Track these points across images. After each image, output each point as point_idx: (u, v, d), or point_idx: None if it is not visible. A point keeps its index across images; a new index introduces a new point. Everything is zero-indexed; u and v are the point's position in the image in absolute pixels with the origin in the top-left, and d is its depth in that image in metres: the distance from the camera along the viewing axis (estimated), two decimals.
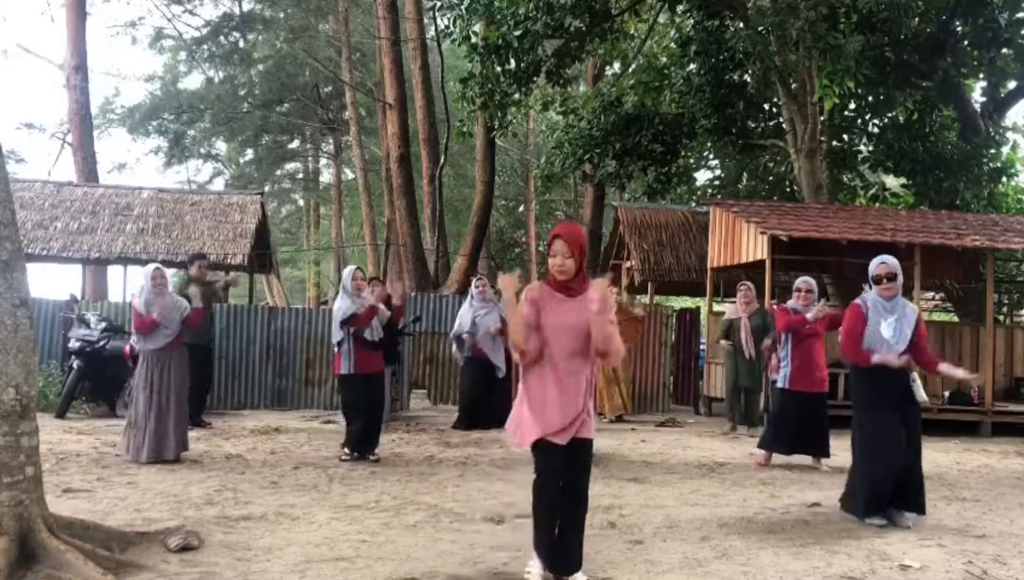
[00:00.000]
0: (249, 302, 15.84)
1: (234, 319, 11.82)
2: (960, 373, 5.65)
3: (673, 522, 5.17)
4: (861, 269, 14.11)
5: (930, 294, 17.57)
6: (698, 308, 15.21)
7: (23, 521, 3.72)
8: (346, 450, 7.37)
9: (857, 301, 5.46)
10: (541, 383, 3.86)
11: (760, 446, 7.76)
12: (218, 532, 4.63)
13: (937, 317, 18.80)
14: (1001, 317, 16.95)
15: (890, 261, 5.42)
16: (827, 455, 7.51)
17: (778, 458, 7.70)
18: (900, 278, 5.38)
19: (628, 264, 16.37)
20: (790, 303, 7.71)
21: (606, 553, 4.41)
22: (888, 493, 5.23)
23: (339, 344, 7.34)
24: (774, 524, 5.21)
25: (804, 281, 7.62)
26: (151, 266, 7.38)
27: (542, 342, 3.86)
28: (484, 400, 9.76)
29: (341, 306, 7.38)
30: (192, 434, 8.52)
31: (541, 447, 3.84)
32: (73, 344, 10.04)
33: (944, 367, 5.51)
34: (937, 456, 8.65)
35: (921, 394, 5.33)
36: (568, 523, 3.88)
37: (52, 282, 63.37)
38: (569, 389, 3.83)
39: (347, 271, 7.68)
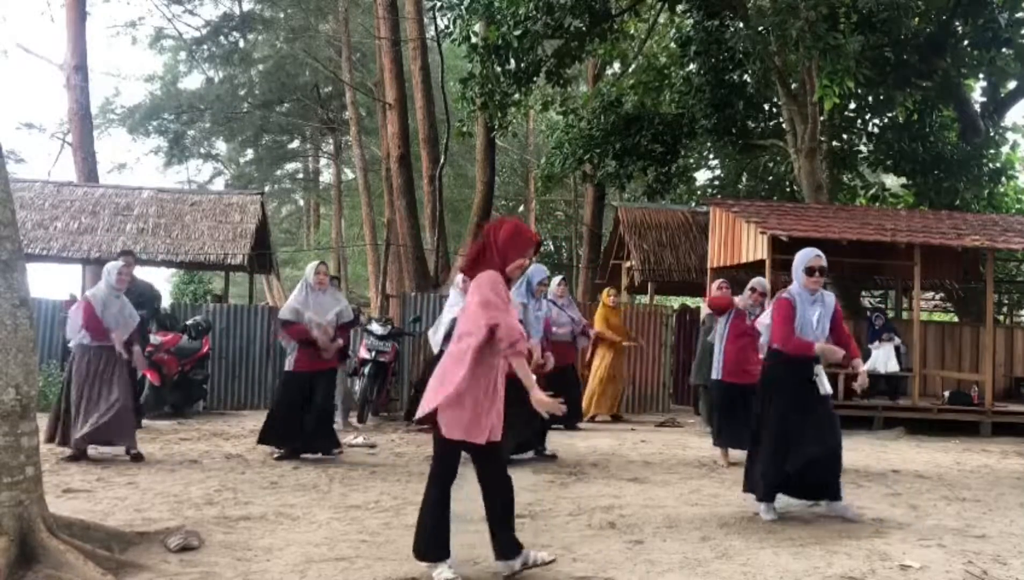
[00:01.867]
0: (249, 302, 15.85)
1: (234, 319, 11.82)
2: (861, 370, 5.56)
3: (673, 522, 5.17)
4: (861, 269, 14.18)
5: (930, 294, 17.59)
6: (698, 308, 15.21)
7: (23, 521, 3.72)
8: (273, 449, 7.30)
9: (783, 294, 5.47)
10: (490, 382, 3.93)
11: (714, 443, 7.75)
12: (218, 532, 4.63)
13: (937, 317, 18.81)
14: (1001, 317, 16.96)
15: (822, 255, 5.48)
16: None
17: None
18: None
19: (628, 264, 16.37)
20: (738, 298, 7.66)
21: (606, 553, 4.41)
22: (789, 482, 5.34)
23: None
24: (774, 524, 5.21)
25: (759, 282, 7.59)
26: (119, 262, 7.35)
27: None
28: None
29: (292, 301, 7.29)
30: (181, 434, 8.60)
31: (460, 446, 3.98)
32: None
33: (857, 362, 5.57)
34: (937, 456, 8.65)
35: (825, 386, 5.32)
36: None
37: (52, 282, 63.40)
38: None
39: (311, 266, 7.49)
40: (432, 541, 3.91)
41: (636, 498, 5.89)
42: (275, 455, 7.28)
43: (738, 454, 7.48)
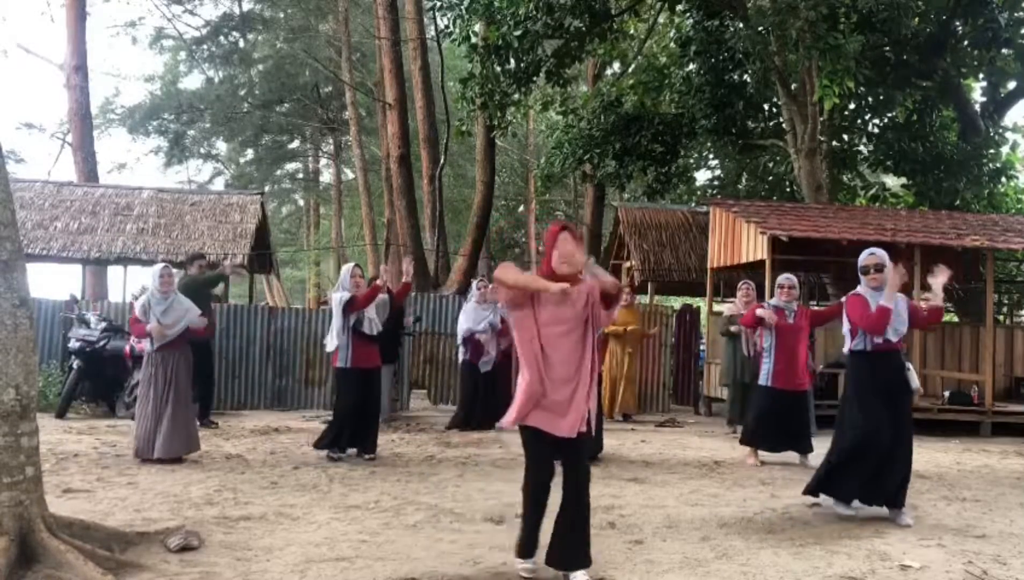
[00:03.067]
0: (249, 302, 15.85)
1: (234, 319, 11.82)
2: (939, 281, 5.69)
3: (673, 522, 5.17)
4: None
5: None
6: (698, 307, 15.21)
7: (23, 521, 3.72)
8: (328, 451, 7.30)
9: (855, 292, 5.59)
10: (538, 373, 3.89)
11: (743, 442, 7.89)
12: (218, 532, 4.63)
13: None
14: (1001, 317, 16.96)
15: (879, 252, 5.57)
16: (811, 450, 7.62)
17: (773, 457, 7.78)
18: (888, 269, 5.47)
19: (628, 264, 16.37)
20: (772, 301, 7.79)
21: (606, 553, 4.41)
22: (855, 480, 5.33)
23: (337, 337, 7.33)
24: (774, 524, 5.21)
25: (787, 278, 7.69)
26: (159, 265, 7.39)
27: (539, 336, 3.91)
28: (485, 401, 9.73)
29: (339, 295, 7.38)
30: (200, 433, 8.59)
31: (534, 434, 3.91)
32: (73, 344, 10.05)
33: (933, 294, 5.66)
34: (937, 456, 8.65)
35: (915, 381, 5.49)
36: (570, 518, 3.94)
37: (52, 282, 63.33)
38: (569, 379, 3.89)
39: (346, 267, 7.67)
40: None
41: (636, 498, 5.89)
42: (334, 455, 7.27)
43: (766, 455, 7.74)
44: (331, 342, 7.41)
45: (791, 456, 7.81)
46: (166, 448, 6.84)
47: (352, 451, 7.39)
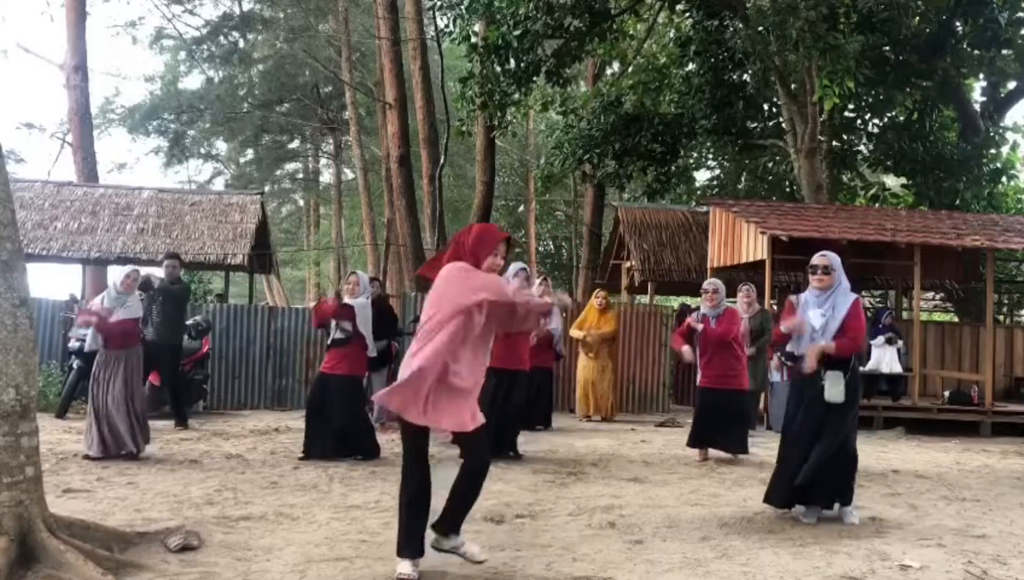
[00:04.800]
0: (249, 302, 15.86)
1: (234, 319, 11.82)
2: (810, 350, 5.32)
3: (673, 522, 5.17)
4: (861, 269, 14.18)
5: (930, 294, 17.58)
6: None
7: (23, 521, 3.72)
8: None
9: (791, 297, 5.63)
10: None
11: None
12: (218, 532, 4.63)
13: (937, 317, 18.81)
14: (1001, 317, 16.97)
15: (829, 254, 5.52)
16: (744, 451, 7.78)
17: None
18: (837, 273, 5.42)
19: (628, 264, 16.37)
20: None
21: (606, 553, 4.41)
22: (794, 487, 5.25)
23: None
24: (774, 524, 5.20)
25: (710, 282, 8.08)
26: (129, 268, 7.56)
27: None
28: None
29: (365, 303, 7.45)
30: (180, 434, 8.62)
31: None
32: (73, 344, 10.05)
33: (826, 348, 5.26)
34: (937, 456, 8.65)
35: (830, 393, 5.17)
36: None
37: (52, 282, 63.36)
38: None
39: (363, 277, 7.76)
40: None
41: (636, 498, 5.89)
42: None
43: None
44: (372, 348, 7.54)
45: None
46: (115, 447, 6.90)
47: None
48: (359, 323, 7.37)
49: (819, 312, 5.35)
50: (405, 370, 3.84)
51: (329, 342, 7.49)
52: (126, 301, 7.25)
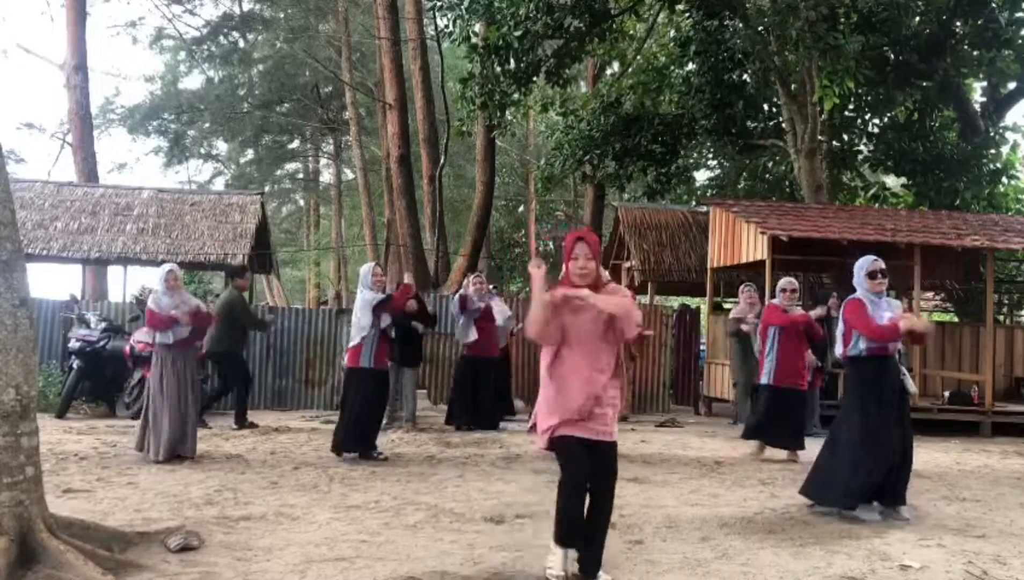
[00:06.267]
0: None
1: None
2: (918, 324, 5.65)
3: (673, 522, 5.17)
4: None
5: (930, 294, 17.57)
6: (698, 307, 15.21)
7: (23, 521, 3.71)
8: (347, 452, 7.35)
9: (855, 296, 5.63)
10: (562, 379, 3.90)
11: (744, 436, 8.21)
12: (218, 532, 4.63)
13: (937, 317, 18.80)
14: (1001, 317, 16.95)
15: (880, 259, 5.65)
16: (802, 447, 7.83)
17: (773, 453, 7.92)
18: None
19: (628, 264, 16.37)
20: (775, 301, 8.09)
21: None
22: (877, 486, 5.40)
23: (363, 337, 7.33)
24: (774, 524, 5.20)
25: (789, 281, 8.01)
26: (167, 266, 7.49)
27: (562, 341, 3.93)
28: (483, 397, 9.83)
29: (366, 297, 7.36)
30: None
31: (564, 443, 3.86)
32: (73, 344, 10.04)
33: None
34: (937, 456, 8.65)
35: (911, 385, 5.62)
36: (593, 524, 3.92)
37: (52, 282, 63.39)
38: (591, 382, 3.86)
39: (366, 267, 7.69)
40: None
41: (636, 498, 5.89)
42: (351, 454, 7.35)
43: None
44: (355, 341, 7.39)
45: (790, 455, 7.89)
46: (173, 449, 6.89)
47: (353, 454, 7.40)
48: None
49: (886, 314, 5.46)
50: None
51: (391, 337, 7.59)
52: (180, 299, 7.22)
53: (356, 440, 7.33)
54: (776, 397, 7.78)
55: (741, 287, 10.04)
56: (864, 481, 5.37)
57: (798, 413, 7.90)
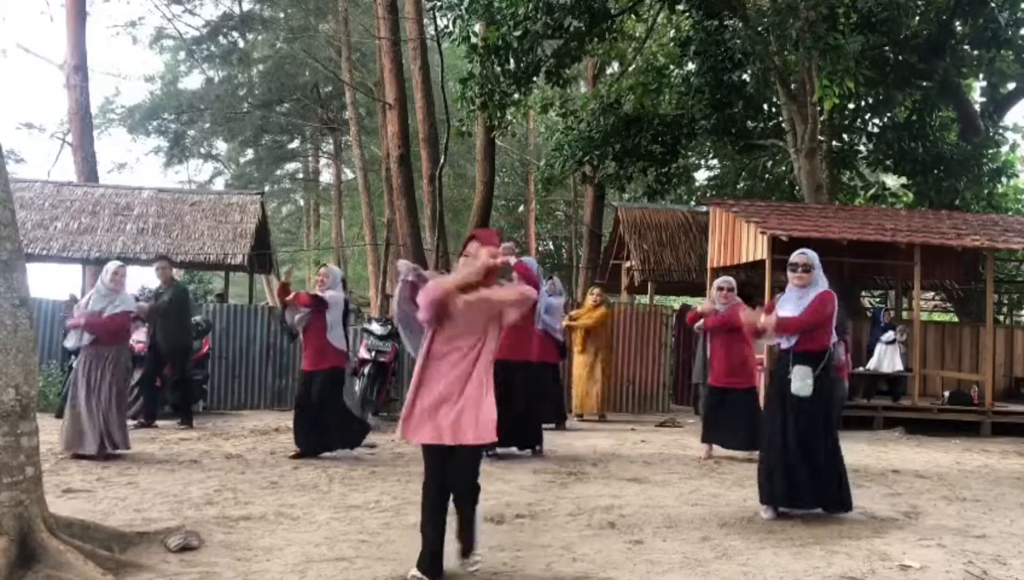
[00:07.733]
0: (249, 302, 15.85)
1: (234, 319, 11.82)
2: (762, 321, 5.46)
3: (673, 522, 5.17)
4: (861, 269, 14.15)
5: (930, 294, 17.59)
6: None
7: (23, 521, 3.72)
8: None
9: (777, 295, 5.78)
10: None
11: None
12: (218, 532, 4.63)
13: (937, 317, 18.81)
14: (1001, 317, 16.96)
15: (808, 252, 5.53)
16: (752, 448, 7.64)
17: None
18: (816, 271, 5.43)
19: (628, 264, 16.37)
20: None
21: (606, 553, 4.41)
22: (776, 487, 5.30)
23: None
24: (774, 524, 5.20)
25: (725, 280, 7.90)
26: (115, 264, 7.50)
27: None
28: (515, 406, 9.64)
29: (338, 295, 7.49)
30: (180, 434, 8.63)
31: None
32: (72, 344, 10.02)
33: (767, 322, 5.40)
34: (937, 456, 8.65)
35: (795, 386, 5.22)
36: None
37: (52, 282, 63.42)
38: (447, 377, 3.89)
39: (338, 270, 7.93)
40: None
41: (636, 498, 5.89)
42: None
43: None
44: (340, 342, 7.45)
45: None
46: (96, 443, 6.88)
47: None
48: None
49: (789, 306, 5.42)
50: None
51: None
52: (115, 298, 7.22)
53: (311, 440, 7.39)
54: (714, 397, 7.79)
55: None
56: (761, 481, 5.42)
57: (740, 412, 7.60)
